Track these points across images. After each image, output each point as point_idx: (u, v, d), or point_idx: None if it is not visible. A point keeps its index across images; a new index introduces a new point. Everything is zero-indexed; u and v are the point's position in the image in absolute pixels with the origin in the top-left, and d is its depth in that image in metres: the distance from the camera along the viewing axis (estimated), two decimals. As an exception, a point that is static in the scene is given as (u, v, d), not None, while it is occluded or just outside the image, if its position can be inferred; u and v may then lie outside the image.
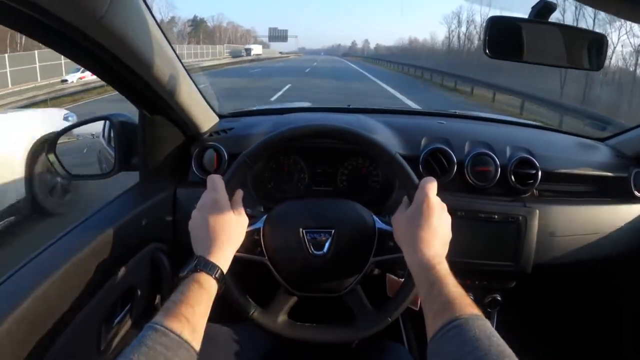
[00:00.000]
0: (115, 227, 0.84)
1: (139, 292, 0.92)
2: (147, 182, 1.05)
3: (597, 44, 0.87)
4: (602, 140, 1.35)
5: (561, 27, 0.84)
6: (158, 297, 1.01)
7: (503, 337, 0.53)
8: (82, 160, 1.31)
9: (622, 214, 1.11)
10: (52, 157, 1.06)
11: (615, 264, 1.21)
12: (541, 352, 1.41)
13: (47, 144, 1.08)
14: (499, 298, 1.12)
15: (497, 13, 0.75)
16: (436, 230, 0.69)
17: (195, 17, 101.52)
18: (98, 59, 0.72)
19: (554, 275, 1.28)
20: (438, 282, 0.62)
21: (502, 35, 0.78)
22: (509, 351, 0.51)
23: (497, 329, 1.12)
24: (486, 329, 0.54)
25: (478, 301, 1.10)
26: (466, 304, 0.58)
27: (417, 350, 1.14)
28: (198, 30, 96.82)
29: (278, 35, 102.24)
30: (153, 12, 0.77)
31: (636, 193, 1.14)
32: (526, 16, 0.77)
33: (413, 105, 10.47)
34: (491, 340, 0.52)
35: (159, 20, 0.80)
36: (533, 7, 0.77)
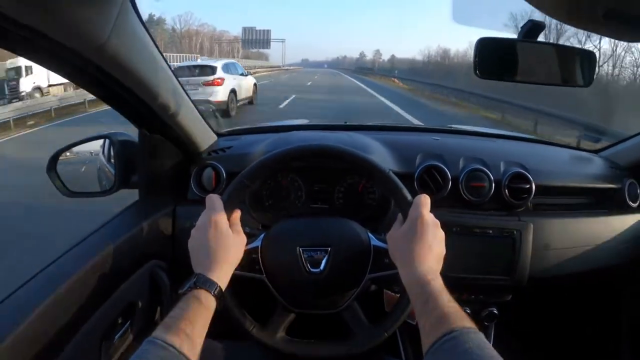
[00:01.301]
0: (115, 245, 0.86)
1: (139, 309, 0.93)
2: (147, 200, 1.07)
3: (588, 60, 0.89)
4: (595, 152, 1.37)
5: (552, 45, 0.86)
6: (158, 314, 1.02)
7: (501, 351, 0.54)
8: (82, 176, 1.32)
9: (617, 225, 1.12)
10: (52, 174, 1.07)
11: (611, 275, 1.21)
12: None
13: (48, 160, 1.09)
14: (495, 312, 1.12)
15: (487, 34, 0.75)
16: (430, 246, 0.70)
17: (150, 16, 64.58)
18: (98, 80, 0.74)
19: (550, 288, 1.28)
20: (432, 297, 0.63)
21: (493, 56, 0.79)
22: None
23: (494, 342, 1.12)
24: (480, 342, 0.54)
25: (475, 315, 1.10)
26: (460, 318, 0.59)
27: None
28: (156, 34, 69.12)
29: (256, 39, 63.30)
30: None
31: (631, 204, 1.15)
32: (515, 37, 0.79)
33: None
34: (484, 353, 0.52)
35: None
36: (522, 27, 0.78)
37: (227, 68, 10.60)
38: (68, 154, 1.18)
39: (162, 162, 1.05)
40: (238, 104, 10.90)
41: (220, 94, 9.79)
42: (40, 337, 0.67)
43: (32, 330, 0.65)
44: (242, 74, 11.86)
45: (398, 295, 0.84)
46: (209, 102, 9.24)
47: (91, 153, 1.29)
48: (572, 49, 0.88)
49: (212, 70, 10.04)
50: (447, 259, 0.74)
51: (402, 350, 1.21)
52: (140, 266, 0.94)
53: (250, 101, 12.38)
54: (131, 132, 1.09)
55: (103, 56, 0.65)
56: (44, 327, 0.67)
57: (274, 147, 0.89)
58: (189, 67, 10.66)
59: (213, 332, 0.68)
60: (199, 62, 12.98)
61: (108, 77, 0.72)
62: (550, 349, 1.45)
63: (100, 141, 1.25)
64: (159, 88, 0.83)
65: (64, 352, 0.70)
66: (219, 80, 9.90)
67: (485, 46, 0.78)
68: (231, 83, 10.42)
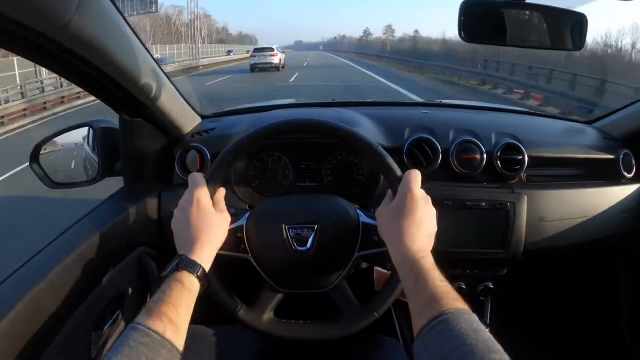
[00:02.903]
0: (102, 234, 0.84)
1: (128, 298, 0.91)
2: (132, 187, 1.05)
3: (578, 23, 0.86)
4: (589, 123, 1.35)
5: (540, 8, 0.83)
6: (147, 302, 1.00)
7: (497, 325, 0.52)
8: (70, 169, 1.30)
9: (611, 196, 1.10)
10: (36, 167, 1.05)
11: (607, 246, 1.20)
12: (537, 338, 1.40)
13: (30, 154, 1.06)
14: (491, 286, 1.11)
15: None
16: (420, 224, 0.68)
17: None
18: (70, 64, 0.71)
19: (545, 261, 1.27)
20: (423, 276, 0.61)
21: (480, 19, 0.76)
22: (497, 346, 0.49)
23: (490, 317, 1.11)
24: (473, 324, 0.52)
25: (470, 290, 1.09)
26: (452, 299, 0.56)
27: (411, 344, 1.14)
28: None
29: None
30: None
31: (625, 174, 1.13)
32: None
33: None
34: (478, 335, 0.50)
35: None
36: (510, -11, 0.76)
37: (277, 49, 24.67)
38: (59, 147, 1.15)
39: (145, 148, 1.03)
40: (281, 67, 24.57)
41: (277, 60, 23.92)
42: (28, 328, 0.65)
43: (19, 322, 0.63)
44: (281, 52, 25.85)
45: (390, 272, 0.82)
46: (271, 63, 23.75)
47: (76, 144, 1.27)
48: (562, 11, 0.85)
49: (272, 49, 24.30)
50: (440, 233, 0.71)
51: (398, 329, 1.20)
52: (128, 254, 0.92)
53: (283, 66, 25.40)
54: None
55: (69, 36, 0.61)
56: (31, 318, 0.66)
57: (258, 125, 0.87)
58: (261, 48, 25.40)
59: (200, 318, 0.67)
60: (265, 45, 27.07)
61: (79, 60, 0.68)
62: (547, 322, 1.45)
63: (84, 132, 1.23)
64: (136, 70, 0.80)
65: (53, 343, 0.69)
66: (276, 54, 24.02)
67: (470, 9, 0.75)
68: (279, 56, 24.30)
